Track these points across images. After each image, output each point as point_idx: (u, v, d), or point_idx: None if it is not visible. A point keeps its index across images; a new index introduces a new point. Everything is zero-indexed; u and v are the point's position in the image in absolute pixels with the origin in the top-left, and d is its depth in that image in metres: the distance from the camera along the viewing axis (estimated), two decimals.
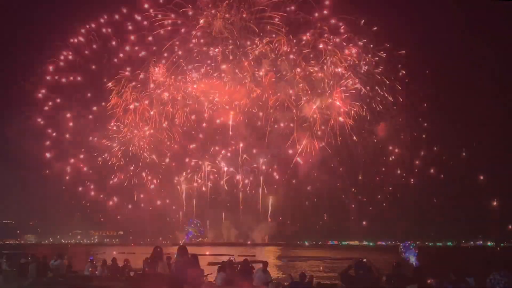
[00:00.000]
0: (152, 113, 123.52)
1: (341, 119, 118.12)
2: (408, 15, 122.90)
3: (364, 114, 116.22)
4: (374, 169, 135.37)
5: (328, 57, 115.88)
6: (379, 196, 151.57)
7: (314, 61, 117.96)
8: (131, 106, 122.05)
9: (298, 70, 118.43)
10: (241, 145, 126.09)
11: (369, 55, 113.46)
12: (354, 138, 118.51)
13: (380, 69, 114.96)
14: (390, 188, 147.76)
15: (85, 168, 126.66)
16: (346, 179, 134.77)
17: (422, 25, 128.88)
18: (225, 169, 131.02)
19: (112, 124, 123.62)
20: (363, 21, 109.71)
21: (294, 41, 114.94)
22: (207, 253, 55.61)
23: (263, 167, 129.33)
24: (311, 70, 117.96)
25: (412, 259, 10.50)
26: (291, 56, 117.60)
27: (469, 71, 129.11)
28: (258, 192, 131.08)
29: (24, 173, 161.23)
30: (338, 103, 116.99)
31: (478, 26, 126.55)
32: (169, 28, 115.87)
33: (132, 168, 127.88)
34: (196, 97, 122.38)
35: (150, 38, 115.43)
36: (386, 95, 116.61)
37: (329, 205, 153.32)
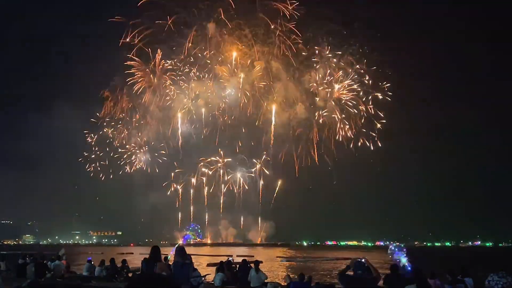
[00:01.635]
0: (148, 118, 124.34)
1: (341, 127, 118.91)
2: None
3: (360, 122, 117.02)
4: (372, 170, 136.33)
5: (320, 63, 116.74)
6: (378, 197, 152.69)
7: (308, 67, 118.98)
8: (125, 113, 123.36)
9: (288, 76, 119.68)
10: (239, 144, 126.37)
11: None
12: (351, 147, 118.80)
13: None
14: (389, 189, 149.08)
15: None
16: (344, 181, 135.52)
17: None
18: (222, 171, 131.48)
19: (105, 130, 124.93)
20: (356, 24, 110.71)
21: (288, 42, 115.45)
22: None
23: (261, 169, 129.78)
24: (306, 74, 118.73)
25: (404, 260, 10.40)
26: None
27: None
28: (257, 193, 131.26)
29: (22, 174, 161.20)
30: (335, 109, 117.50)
31: None
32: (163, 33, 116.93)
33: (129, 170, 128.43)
34: (193, 99, 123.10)
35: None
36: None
37: (327, 206, 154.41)
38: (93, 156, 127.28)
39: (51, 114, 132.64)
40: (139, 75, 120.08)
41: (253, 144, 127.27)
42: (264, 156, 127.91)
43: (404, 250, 11.25)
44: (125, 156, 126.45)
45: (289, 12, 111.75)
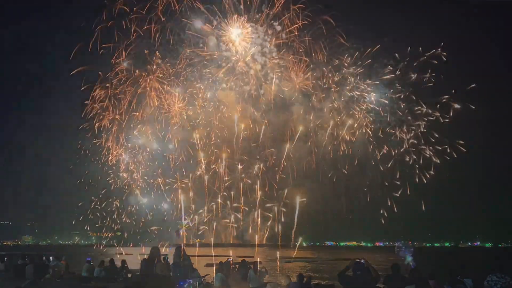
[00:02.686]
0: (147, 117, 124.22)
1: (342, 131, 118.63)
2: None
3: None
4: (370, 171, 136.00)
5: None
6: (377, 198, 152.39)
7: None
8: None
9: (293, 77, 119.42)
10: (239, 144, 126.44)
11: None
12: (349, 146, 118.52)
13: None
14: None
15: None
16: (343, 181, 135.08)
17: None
18: (221, 171, 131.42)
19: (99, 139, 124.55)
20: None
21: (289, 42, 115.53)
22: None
23: (259, 169, 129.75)
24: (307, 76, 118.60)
25: (409, 259, 10.24)
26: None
27: None
28: (256, 193, 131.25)
29: (21, 174, 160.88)
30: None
31: None
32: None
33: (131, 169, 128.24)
34: (190, 101, 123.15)
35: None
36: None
37: (327, 206, 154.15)
38: (86, 164, 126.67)
39: (49, 115, 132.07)
40: (132, 80, 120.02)
41: (252, 145, 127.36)
42: (263, 156, 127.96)
43: (412, 249, 10.86)
44: (122, 161, 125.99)
45: (287, 19, 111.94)
